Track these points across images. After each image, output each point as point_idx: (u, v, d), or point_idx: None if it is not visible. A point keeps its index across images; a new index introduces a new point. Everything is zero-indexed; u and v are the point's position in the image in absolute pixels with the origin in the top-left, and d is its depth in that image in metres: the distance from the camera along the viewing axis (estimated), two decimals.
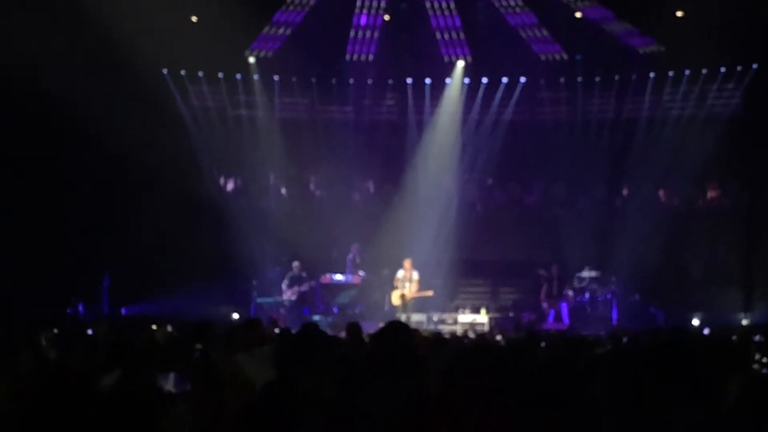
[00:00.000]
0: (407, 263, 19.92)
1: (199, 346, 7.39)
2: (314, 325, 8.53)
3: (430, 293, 20.13)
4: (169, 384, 5.08)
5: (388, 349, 4.54)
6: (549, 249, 22.33)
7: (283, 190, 24.33)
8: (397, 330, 4.71)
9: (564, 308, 20.73)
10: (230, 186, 24.13)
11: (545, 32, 22.64)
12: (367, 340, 8.98)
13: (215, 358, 6.28)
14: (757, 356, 8.55)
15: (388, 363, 4.47)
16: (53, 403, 4.62)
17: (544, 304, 21.09)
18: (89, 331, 13.13)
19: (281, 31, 22.84)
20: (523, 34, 22.70)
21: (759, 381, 5.11)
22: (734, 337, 11.52)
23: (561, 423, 4.15)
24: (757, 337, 12.05)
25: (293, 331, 9.12)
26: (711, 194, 22.97)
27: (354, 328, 9.28)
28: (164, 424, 3.76)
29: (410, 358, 4.51)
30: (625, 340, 10.83)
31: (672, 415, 3.51)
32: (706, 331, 14.71)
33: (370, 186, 24.47)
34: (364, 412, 4.04)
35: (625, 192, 23.49)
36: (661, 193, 23.08)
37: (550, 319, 20.64)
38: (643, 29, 21.87)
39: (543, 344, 9.95)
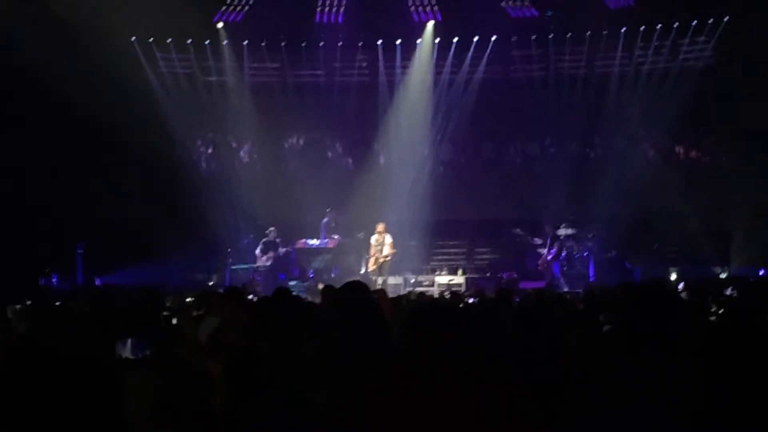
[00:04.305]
0: (380, 226, 19.78)
1: (166, 313, 7.33)
2: (285, 290, 8.51)
3: (392, 251, 19.71)
4: (126, 350, 5.04)
5: (347, 308, 4.52)
6: (524, 208, 22.31)
7: (256, 156, 24.17)
8: (354, 289, 4.69)
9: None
10: (202, 153, 23.98)
11: None
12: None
13: (180, 324, 6.23)
14: (713, 308, 8.56)
15: (347, 322, 4.44)
16: (16, 376, 4.51)
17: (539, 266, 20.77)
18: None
19: None
20: None
21: (713, 329, 5.15)
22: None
23: (532, 373, 4.12)
24: (728, 291, 12.11)
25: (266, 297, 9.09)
26: (686, 150, 23.07)
27: (328, 291, 9.22)
28: (123, 390, 3.69)
29: (369, 315, 4.49)
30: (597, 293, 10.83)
31: (636, 361, 3.51)
32: (680, 286, 14.76)
33: (343, 149, 24.35)
34: (327, 371, 4.01)
35: (598, 148, 23.49)
36: (635, 149, 23.12)
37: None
38: None
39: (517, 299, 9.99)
